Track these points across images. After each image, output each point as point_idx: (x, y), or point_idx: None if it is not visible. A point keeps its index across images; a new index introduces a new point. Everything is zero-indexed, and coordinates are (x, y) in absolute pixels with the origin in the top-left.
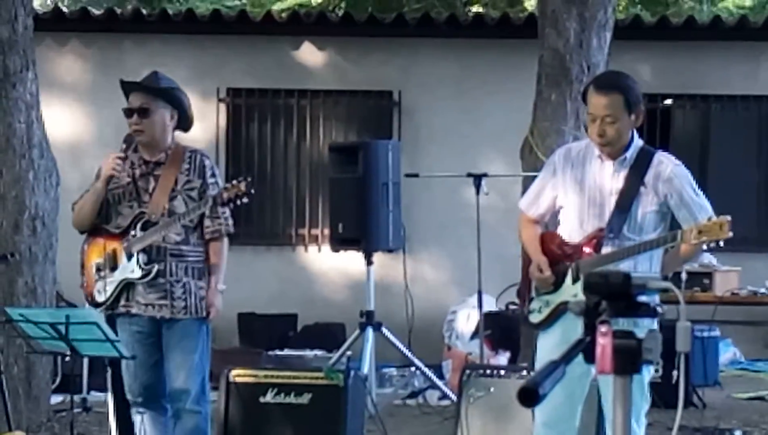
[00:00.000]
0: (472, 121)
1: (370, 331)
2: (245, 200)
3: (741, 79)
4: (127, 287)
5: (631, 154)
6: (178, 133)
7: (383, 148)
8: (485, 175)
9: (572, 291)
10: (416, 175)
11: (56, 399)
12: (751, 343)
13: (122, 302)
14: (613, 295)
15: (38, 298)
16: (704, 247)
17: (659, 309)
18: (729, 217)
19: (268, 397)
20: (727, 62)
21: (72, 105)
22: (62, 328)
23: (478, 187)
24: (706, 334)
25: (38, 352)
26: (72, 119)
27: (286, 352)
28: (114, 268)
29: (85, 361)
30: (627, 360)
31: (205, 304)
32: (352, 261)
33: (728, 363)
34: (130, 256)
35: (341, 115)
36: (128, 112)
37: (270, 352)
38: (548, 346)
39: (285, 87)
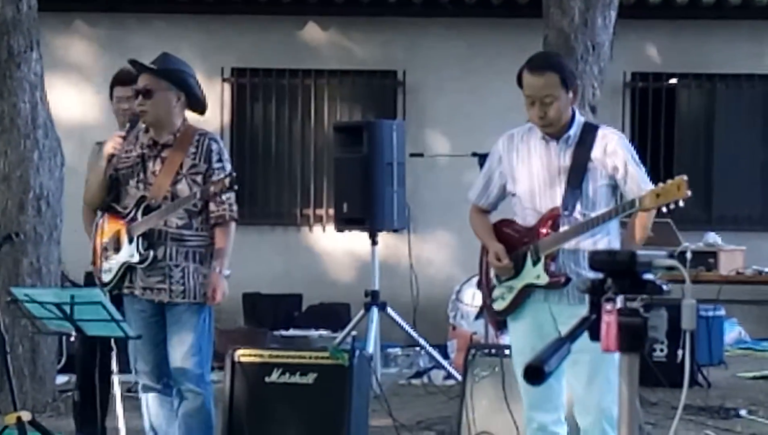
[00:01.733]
0: (477, 100)
1: (375, 311)
2: (230, 195)
3: (746, 58)
4: (129, 269)
5: (574, 131)
6: (193, 116)
7: (388, 128)
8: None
9: (534, 273)
10: (421, 155)
11: (61, 379)
12: (756, 323)
13: (126, 283)
14: (619, 273)
15: (43, 278)
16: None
17: (665, 287)
18: (685, 177)
19: (274, 377)
20: (732, 41)
21: (76, 85)
22: (67, 308)
23: (482, 166)
24: (711, 313)
25: (43, 332)
26: (76, 99)
27: (291, 332)
28: (118, 249)
29: None
30: (632, 338)
31: (204, 289)
32: (356, 241)
33: (733, 342)
34: (131, 240)
35: (346, 95)
36: (135, 93)
37: (275, 332)
38: (520, 333)
39: (290, 67)
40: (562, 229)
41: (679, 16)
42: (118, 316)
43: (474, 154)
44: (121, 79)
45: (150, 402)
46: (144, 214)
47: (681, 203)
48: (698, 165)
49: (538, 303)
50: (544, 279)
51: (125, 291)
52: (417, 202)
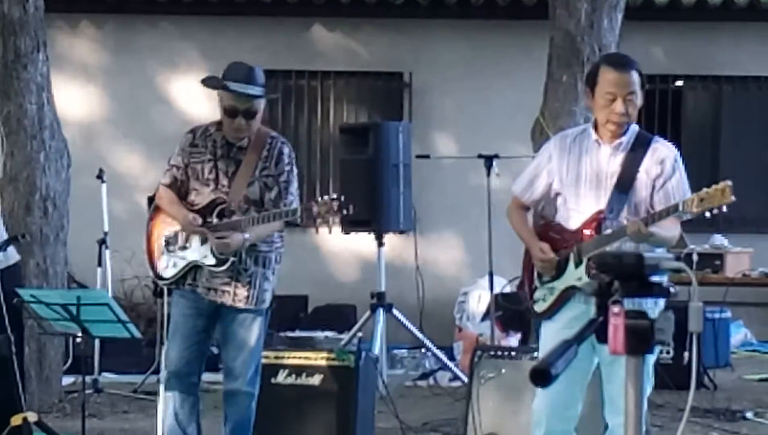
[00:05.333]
0: (483, 102)
1: (381, 313)
2: (336, 219)
3: (753, 59)
4: (194, 268)
5: (628, 138)
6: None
7: (394, 130)
8: (496, 156)
9: (576, 275)
10: (427, 157)
11: (68, 380)
12: (763, 325)
13: (188, 281)
14: (626, 275)
15: (50, 279)
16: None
17: (672, 289)
18: (730, 182)
19: (280, 378)
20: (738, 43)
21: (83, 86)
22: (73, 309)
23: (489, 168)
24: (717, 315)
25: (50, 333)
26: (83, 100)
27: (297, 333)
28: (185, 247)
29: (97, 342)
30: (639, 340)
31: (266, 296)
32: (363, 242)
33: (739, 344)
34: (204, 241)
35: (352, 97)
36: (232, 113)
37: (281, 334)
38: (552, 334)
39: (296, 68)
40: (605, 232)
41: (685, 18)
42: (124, 317)
43: (480, 156)
44: None
45: (174, 399)
46: (219, 217)
47: (724, 209)
48: (705, 167)
49: (577, 307)
50: (586, 281)
51: (186, 287)
52: (423, 203)
